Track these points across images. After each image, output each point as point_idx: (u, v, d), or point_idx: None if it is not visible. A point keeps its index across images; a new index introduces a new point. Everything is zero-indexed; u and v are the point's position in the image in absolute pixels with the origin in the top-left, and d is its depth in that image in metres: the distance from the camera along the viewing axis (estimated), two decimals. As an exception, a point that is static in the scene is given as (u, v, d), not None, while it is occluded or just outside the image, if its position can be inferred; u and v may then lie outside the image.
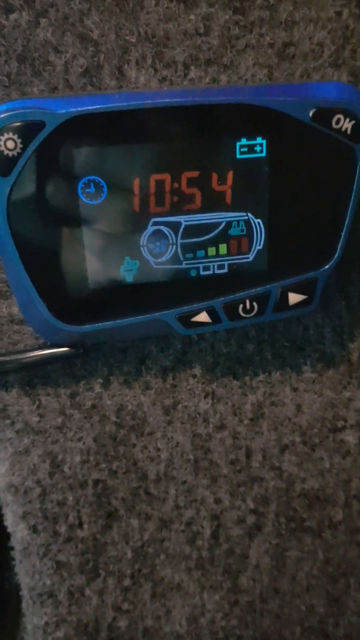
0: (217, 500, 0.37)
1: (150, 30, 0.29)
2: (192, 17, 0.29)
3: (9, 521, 0.35)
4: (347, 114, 0.28)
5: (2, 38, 0.28)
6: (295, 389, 0.35)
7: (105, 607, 0.37)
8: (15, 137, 0.26)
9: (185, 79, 0.30)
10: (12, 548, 0.36)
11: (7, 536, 0.37)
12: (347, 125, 0.28)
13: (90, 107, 0.26)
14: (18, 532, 0.35)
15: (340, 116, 0.28)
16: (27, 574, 0.36)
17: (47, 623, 0.37)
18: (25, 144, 0.26)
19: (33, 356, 0.32)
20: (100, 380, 0.33)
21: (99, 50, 0.29)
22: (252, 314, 0.31)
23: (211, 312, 0.31)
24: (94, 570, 0.36)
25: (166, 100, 0.26)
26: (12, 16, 0.28)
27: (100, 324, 0.30)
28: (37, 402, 0.33)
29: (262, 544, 0.38)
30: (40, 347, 0.32)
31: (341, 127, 0.28)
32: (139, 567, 0.37)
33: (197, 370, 0.34)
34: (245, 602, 0.39)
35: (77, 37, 0.28)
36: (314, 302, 0.31)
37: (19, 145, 0.26)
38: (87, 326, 0.30)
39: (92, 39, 0.28)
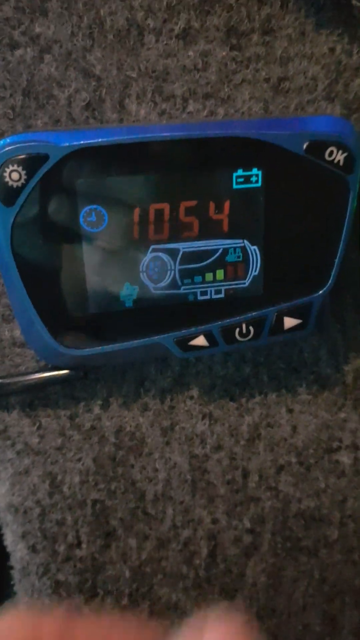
0: (215, 520, 0.37)
1: (150, 65, 0.30)
2: (190, 53, 0.30)
3: (9, 540, 0.36)
4: (339, 147, 0.29)
5: (7, 73, 0.29)
6: (291, 411, 0.36)
7: None
8: (20, 169, 0.27)
9: (184, 112, 0.31)
10: (12, 567, 0.37)
11: (7, 555, 0.37)
12: (339, 157, 0.29)
13: (91, 141, 0.27)
14: (17, 551, 0.36)
15: (333, 148, 0.29)
16: (26, 593, 0.37)
17: None
18: (29, 176, 0.27)
19: (34, 379, 0.32)
20: (100, 402, 0.34)
21: (101, 84, 0.30)
22: (249, 338, 0.32)
23: (208, 336, 0.32)
24: (92, 589, 0.37)
25: (165, 133, 0.27)
26: (18, 52, 0.29)
27: (100, 347, 0.31)
28: (37, 424, 0.34)
29: (258, 563, 0.38)
30: (41, 370, 0.33)
31: (334, 159, 0.29)
32: (136, 586, 0.37)
33: (194, 392, 0.35)
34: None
35: (80, 72, 0.29)
36: (309, 326, 0.32)
37: (23, 177, 0.27)
38: (87, 350, 0.31)
39: (95, 74, 0.29)
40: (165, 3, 0.29)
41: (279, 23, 0.30)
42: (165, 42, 0.30)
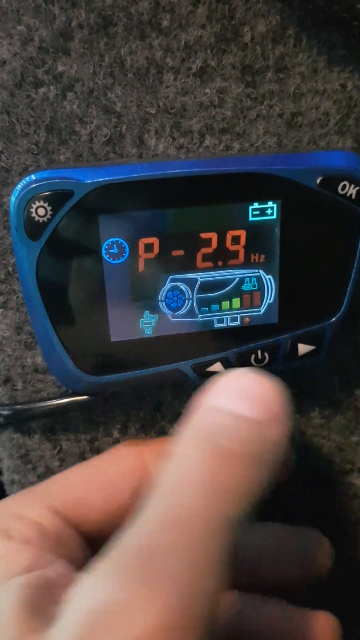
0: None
1: (168, 102, 0.31)
2: (207, 90, 0.31)
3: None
4: (352, 181, 0.30)
5: (31, 110, 0.30)
6: (304, 434, 0.37)
7: None
8: (46, 204, 0.28)
9: (201, 147, 0.32)
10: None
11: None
12: (352, 191, 0.30)
13: (114, 177, 0.28)
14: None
15: (346, 183, 0.30)
16: None
17: None
18: (55, 211, 0.28)
19: (55, 404, 0.33)
20: (118, 426, 0.35)
21: (121, 121, 0.31)
22: (264, 364, 0.33)
23: (225, 362, 0.32)
24: None
25: (185, 170, 0.29)
26: (41, 90, 0.30)
27: (120, 374, 0.32)
28: (58, 447, 0.35)
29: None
30: (62, 395, 0.34)
31: (347, 193, 0.30)
32: None
33: (210, 416, 0.36)
34: None
35: (101, 109, 0.31)
36: (323, 352, 0.33)
37: (49, 212, 0.28)
38: (107, 376, 0.32)
39: (115, 111, 0.31)
40: (183, 42, 0.30)
41: (292, 61, 0.31)
42: (183, 80, 0.31)
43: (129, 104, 0.31)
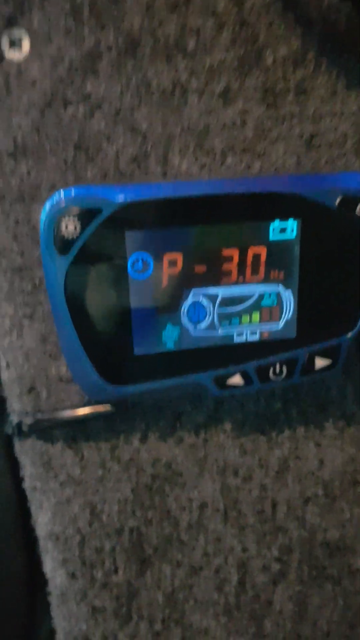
0: (244, 549, 0.39)
1: (192, 123, 0.32)
2: (229, 111, 0.32)
3: (48, 567, 0.38)
4: (369, 201, 0.31)
5: (60, 128, 0.31)
6: (318, 445, 0.38)
7: None
8: (75, 221, 0.29)
9: (223, 166, 0.33)
10: (49, 593, 0.38)
11: (45, 582, 0.39)
12: (370, 211, 0.31)
13: (141, 196, 0.29)
14: (57, 577, 0.37)
15: (364, 203, 0.31)
16: (64, 618, 0.38)
17: None
18: (83, 227, 0.29)
19: (77, 413, 0.34)
20: (139, 435, 0.36)
21: (147, 140, 0.32)
22: (282, 377, 0.34)
23: (244, 375, 0.33)
24: (127, 614, 0.38)
25: (209, 189, 0.30)
26: (70, 109, 0.31)
27: (142, 385, 0.33)
28: (80, 455, 0.36)
29: (285, 591, 0.40)
30: (85, 405, 0.34)
31: (364, 213, 0.31)
32: (169, 612, 0.39)
33: (227, 426, 0.37)
34: None
35: (128, 128, 0.32)
36: (338, 365, 0.34)
37: (78, 229, 0.29)
38: (130, 387, 0.32)
39: (141, 130, 0.32)
40: (207, 65, 0.31)
41: (312, 83, 0.32)
42: (206, 101, 0.32)
43: (154, 123, 0.32)
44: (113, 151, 0.32)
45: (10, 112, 0.30)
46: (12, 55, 0.30)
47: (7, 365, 0.34)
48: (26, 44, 0.30)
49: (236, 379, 0.33)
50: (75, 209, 0.29)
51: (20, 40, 0.30)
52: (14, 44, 0.30)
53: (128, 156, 0.32)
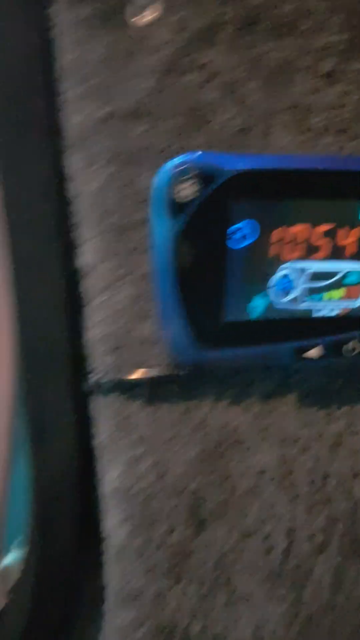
0: (293, 518, 0.40)
1: (295, 100, 0.33)
2: (331, 92, 0.33)
3: (108, 525, 0.38)
4: None
5: (175, 95, 0.32)
6: None
7: (182, 612, 0.40)
8: (193, 184, 0.30)
9: (318, 145, 0.34)
10: (100, 553, 0.39)
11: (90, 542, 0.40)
12: None
13: (251, 166, 0.30)
14: (116, 536, 0.38)
15: None
16: (117, 576, 0.39)
17: (128, 625, 0.40)
18: (195, 194, 0.30)
19: (158, 374, 0.35)
20: (210, 401, 0.37)
21: (252, 114, 0.33)
22: (354, 353, 0.35)
23: (322, 348, 0.35)
24: (178, 576, 0.39)
25: (321, 165, 0.31)
26: (186, 77, 0.32)
27: (228, 350, 0.34)
28: (153, 416, 0.36)
29: (326, 561, 0.42)
30: (164, 367, 0.35)
31: None
32: (217, 576, 0.40)
33: (291, 398, 0.38)
34: (305, 615, 0.42)
35: (236, 101, 0.33)
36: None
37: (194, 193, 0.30)
38: (218, 351, 0.34)
39: (248, 104, 0.33)
40: (317, 46, 0.33)
41: None
42: (311, 81, 0.33)
43: (261, 98, 0.33)
44: (219, 122, 0.33)
45: (132, 75, 0.31)
46: (139, 20, 0.30)
47: (94, 325, 0.35)
48: (153, 11, 0.31)
49: (313, 352, 0.35)
50: (195, 173, 0.30)
51: (147, 6, 0.30)
52: (142, 9, 0.30)
53: (233, 128, 0.33)
